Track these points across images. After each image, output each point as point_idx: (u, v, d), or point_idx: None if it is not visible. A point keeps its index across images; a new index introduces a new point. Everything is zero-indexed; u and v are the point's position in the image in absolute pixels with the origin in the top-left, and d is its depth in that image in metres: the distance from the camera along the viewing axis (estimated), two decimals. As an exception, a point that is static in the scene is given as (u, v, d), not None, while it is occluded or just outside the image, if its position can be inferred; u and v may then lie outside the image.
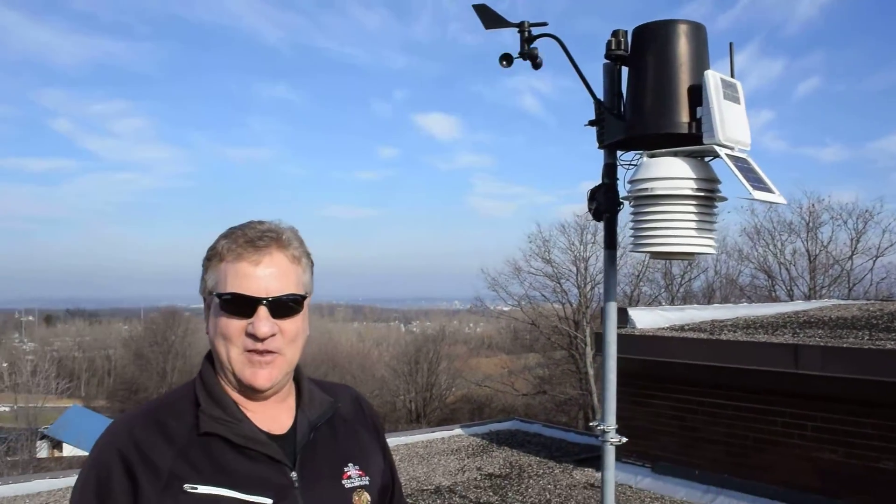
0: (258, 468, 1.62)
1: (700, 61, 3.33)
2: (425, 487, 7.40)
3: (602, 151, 3.68)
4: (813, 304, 11.16)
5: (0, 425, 38.84)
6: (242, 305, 1.63)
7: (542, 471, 8.11)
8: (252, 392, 1.68)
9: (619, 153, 3.63)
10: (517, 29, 3.65)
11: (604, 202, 3.51)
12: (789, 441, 6.41)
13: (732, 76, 3.37)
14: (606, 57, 3.53)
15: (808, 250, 33.51)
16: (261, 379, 1.65)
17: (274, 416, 1.73)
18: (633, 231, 3.47)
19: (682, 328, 7.96)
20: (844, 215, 32.54)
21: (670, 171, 3.25)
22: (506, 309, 42.98)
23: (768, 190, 3.14)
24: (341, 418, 1.86)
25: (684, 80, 3.27)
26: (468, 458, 8.75)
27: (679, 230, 3.26)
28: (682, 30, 3.35)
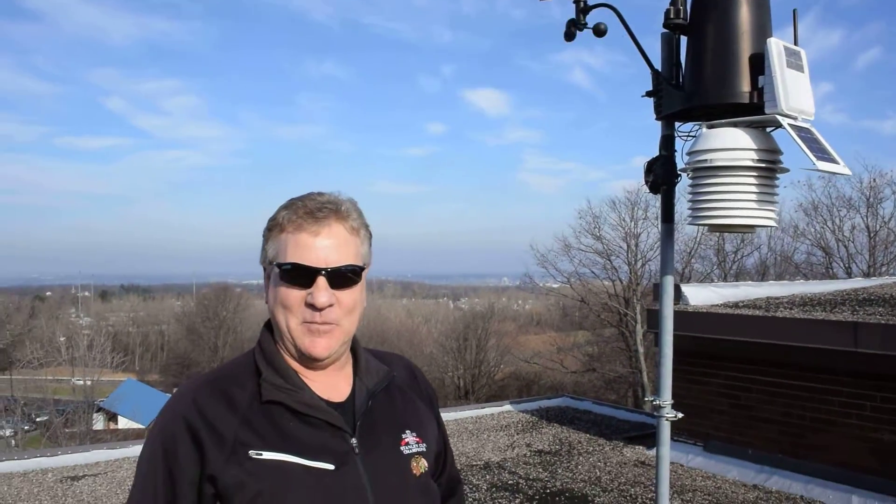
0: (319, 435, 1.66)
1: (762, 29, 3.22)
2: (475, 463, 7.41)
3: (659, 123, 3.60)
4: (873, 282, 10.91)
5: (58, 398, 39.80)
6: (302, 275, 1.66)
7: (591, 448, 8.08)
8: (310, 361, 1.71)
9: (677, 124, 3.55)
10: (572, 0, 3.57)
11: (661, 174, 3.43)
12: (846, 421, 6.29)
13: (796, 44, 3.27)
14: (665, 26, 3.44)
15: (867, 226, 32.77)
16: (319, 348, 1.68)
17: (333, 385, 1.76)
18: (690, 204, 3.39)
19: (736, 305, 7.84)
20: (907, 189, 31.68)
21: (730, 142, 3.16)
22: (555, 286, 42.86)
23: (833, 160, 3.04)
24: (397, 387, 1.88)
25: (746, 49, 3.18)
26: (517, 434, 8.75)
27: (739, 202, 3.17)
28: (744, -4, 3.26)
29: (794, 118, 3.10)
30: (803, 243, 35.09)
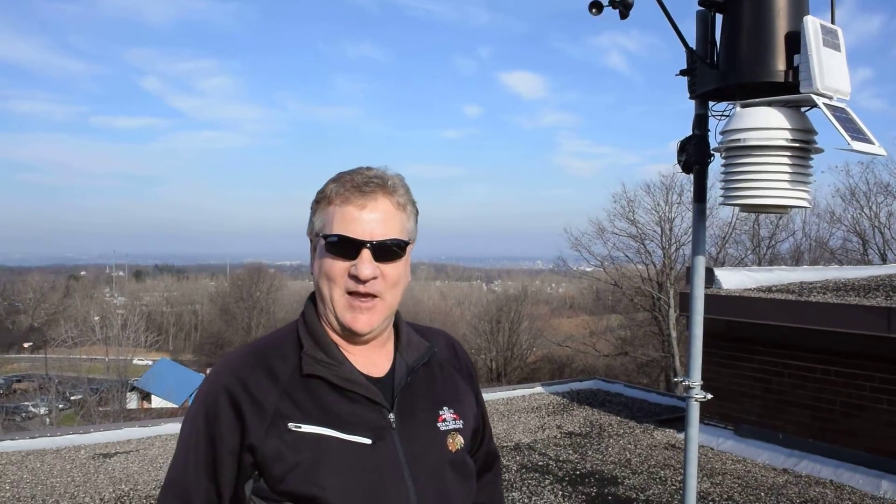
0: (358, 409, 1.68)
1: (798, 7, 3.19)
2: (505, 444, 7.45)
3: (693, 102, 3.59)
4: (908, 268, 10.77)
5: (92, 376, 40.27)
6: (347, 247, 1.68)
7: (622, 430, 8.08)
8: (352, 335, 1.73)
9: (710, 104, 3.53)
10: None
11: (694, 153, 3.42)
12: (878, 406, 6.24)
13: (833, 23, 3.24)
14: (700, 4, 3.42)
15: (905, 213, 32.21)
16: (360, 323, 1.70)
17: (373, 360, 1.78)
18: (723, 183, 3.37)
19: (769, 289, 7.79)
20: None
21: (765, 121, 3.14)
22: (588, 269, 42.60)
23: (868, 141, 3.01)
24: (437, 363, 1.90)
25: (782, 27, 3.15)
26: (548, 416, 8.77)
27: (772, 182, 3.15)
28: (780, -25, 3.22)
29: (830, 97, 3.07)
30: (839, 229, 34.63)
